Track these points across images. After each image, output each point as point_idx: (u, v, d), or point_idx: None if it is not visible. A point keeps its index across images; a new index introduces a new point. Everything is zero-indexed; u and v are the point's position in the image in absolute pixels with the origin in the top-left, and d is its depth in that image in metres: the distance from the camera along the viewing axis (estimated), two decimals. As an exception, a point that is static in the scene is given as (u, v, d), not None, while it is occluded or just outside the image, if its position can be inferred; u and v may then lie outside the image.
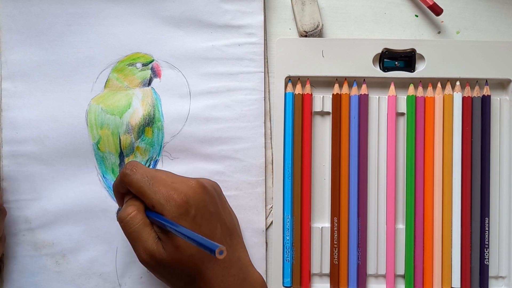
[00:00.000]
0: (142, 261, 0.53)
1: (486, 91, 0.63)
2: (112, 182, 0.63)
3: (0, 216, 0.59)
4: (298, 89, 0.63)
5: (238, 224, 0.61)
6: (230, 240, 0.57)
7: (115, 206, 0.63)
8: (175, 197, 0.52)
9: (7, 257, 0.62)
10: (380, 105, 0.63)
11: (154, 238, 0.53)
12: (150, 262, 0.53)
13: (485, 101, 0.62)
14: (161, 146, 0.63)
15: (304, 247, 0.63)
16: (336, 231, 0.63)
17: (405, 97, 0.63)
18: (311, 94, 0.63)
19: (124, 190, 0.56)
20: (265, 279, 0.62)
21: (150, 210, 0.53)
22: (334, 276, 0.63)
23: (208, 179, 0.59)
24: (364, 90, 0.63)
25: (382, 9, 0.64)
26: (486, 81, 0.63)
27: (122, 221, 0.53)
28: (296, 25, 0.63)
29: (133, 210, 0.53)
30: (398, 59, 0.63)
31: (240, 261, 0.57)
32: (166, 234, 0.52)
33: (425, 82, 0.63)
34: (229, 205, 0.61)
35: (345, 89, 0.63)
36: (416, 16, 0.64)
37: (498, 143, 0.63)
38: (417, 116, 0.63)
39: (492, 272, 0.63)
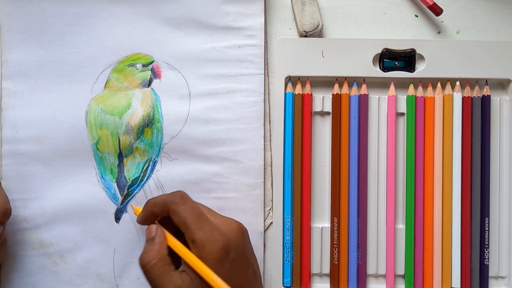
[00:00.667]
0: None
1: (486, 91, 0.63)
2: (111, 183, 0.63)
3: (5, 216, 0.58)
4: (298, 89, 0.63)
5: (258, 266, 0.60)
6: (255, 282, 0.56)
7: (113, 206, 0.63)
8: (219, 239, 0.52)
9: (5, 256, 0.62)
10: (380, 105, 0.63)
11: (177, 285, 0.51)
12: None
13: (485, 101, 0.63)
14: (160, 147, 0.63)
15: (304, 247, 0.62)
16: (336, 231, 0.62)
17: (405, 97, 0.63)
18: (311, 94, 0.63)
19: (159, 213, 0.55)
20: (263, 281, 0.62)
21: (179, 242, 0.53)
22: (334, 276, 0.62)
23: (238, 221, 0.57)
24: (364, 90, 0.63)
25: (382, 9, 0.64)
26: (486, 81, 0.63)
27: (143, 267, 0.53)
28: (296, 25, 0.63)
29: (154, 257, 0.52)
30: (398, 59, 0.63)
31: None
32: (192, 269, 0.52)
33: (425, 82, 0.63)
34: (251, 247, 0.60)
35: (345, 89, 0.63)
36: (416, 16, 0.64)
37: (498, 143, 0.63)
38: (417, 116, 0.63)
39: (492, 272, 0.62)
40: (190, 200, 0.54)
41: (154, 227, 0.55)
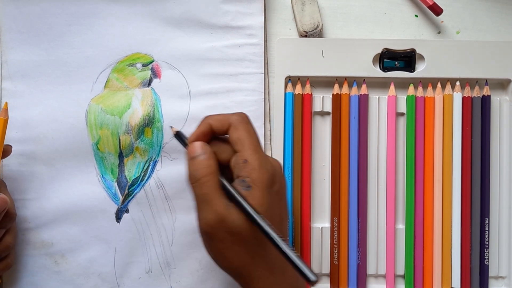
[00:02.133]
0: (206, 226, 0.49)
1: (486, 91, 0.63)
2: (111, 183, 0.63)
3: (10, 221, 0.58)
4: (298, 89, 0.63)
5: None
6: (285, 222, 0.54)
7: (114, 206, 0.63)
8: (269, 167, 0.50)
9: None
10: (380, 105, 0.63)
11: (226, 203, 0.49)
12: (216, 228, 0.49)
13: (485, 101, 0.63)
14: (160, 147, 0.63)
15: (304, 247, 0.63)
16: (336, 231, 0.62)
17: (405, 97, 0.63)
18: (311, 94, 0.63)
19: (217, 127, 0.53)
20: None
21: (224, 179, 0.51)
22: (334, 276, 0.63)
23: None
24: (364, 90, 0.63)
25: (382, 9, 0.64)
26: (486, 81, 0.63)
27: (195, 179, 0.50)
28: (296, 25, 0.63)
29: (209, 171, 0.50)
30: (398, 59, 0.63)
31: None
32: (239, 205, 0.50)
33: (425, 82, 0.63)
34: None
35: (345, 89, 0.63)
36: (416, 16, 0.64)
37: (498, 143, 0.63)
38: (417, 116, 0.63)
39: (492, 272, 0.62)
40: (252, 124, 0.53)
41: (200, 144, 0.52)
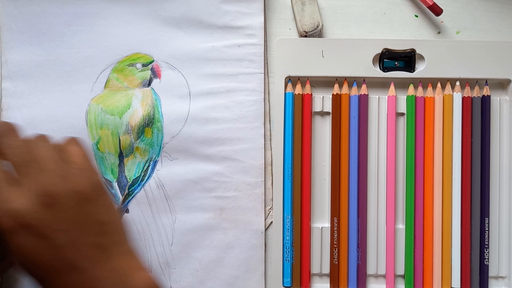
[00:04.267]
0: None
1: (486, 91, 0.63)
2: (112, 182, 0.63)
3: None
4: (298, 89, 0.63)
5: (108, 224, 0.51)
6: (95, 251, 0.47)
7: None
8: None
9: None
10: (380, 105, 0.63)
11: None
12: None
13: (485, 101, 0.63)
14: (160, 147, 0.63)
15: (304, 247, 0.63)
16: (336, 231, 0.62)
17: (405, 97, 0.63)
18: (311, 94, 0.63)
19: None
20: (264, 281, 0.62)
21: None
22: (334, 276, 0.63)
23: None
24: (364, 90, 0.63)
25: (382, 9, 0.64)
26: (486, 81, 0.63)
27: None
28: (296, 25, 0.63)
29: None
30: (398, 59, 0.63)
31: (116, 270, 0.47)
32: None
33: (425, 82, 0.63)
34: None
35: (345, 89, 0.63)
36: (416, 16, 0.64)
37: (498, 143, 0.63)
38: (417, 116, 0.63)
39: (492, 272, 0.62)
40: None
41: None
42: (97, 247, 0.47)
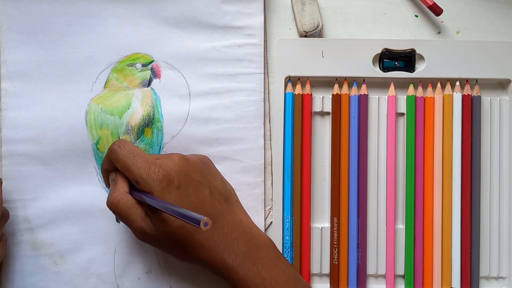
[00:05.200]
0: (138, 239, 0.55)
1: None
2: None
3: (2, 220, 0.59)
4: (298, 89, 0.63)
5: (233, 191, 0.62)
6: (227, 205, 0.58)
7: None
8: (156, 171, 0.53)
9: (5, 257, 0.62)
10: (380, 105, 0.63)
11: (141, 217, 0.54)
12: (144, 238, 0.55)
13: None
14: (160, 147, 0.63)
15: (304, 247, 0.63)
16: (336, 231, 0.62)
17: (405, 97, 0.63)
18: (311, 94, 0.63)
19: (111, 168, 0.57)
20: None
21: (135, 189, 0.55)
22: (334, 276, 0.63)
23: (198, 154, 0.61)
24: (364, 90, 0.63)
25: (382, 9, 0.64)
26: (486, 81, 0.63)
27: (110, 207, 0.55)
28: (296, 25, 0.63)
29: (116, 194, 0.54)
30: (398, 59, 0.63)
31: (242, 223, 0.58)
32: (153, 209, 0.53)
33: (425, 82, 0.63)
34: (221, 176, 0.62)
35: (345, 89, 0.63)
36: (416, 16, 0.64)
37: (498, 143, 0.63)
38: (417, 116, 0.63)
39: (492, 272, 0.62)
40: (129, 144, 0.56)
41: (113, 173, 0.57)
42: (225, 201, 0.58)
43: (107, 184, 0.59)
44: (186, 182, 0.55)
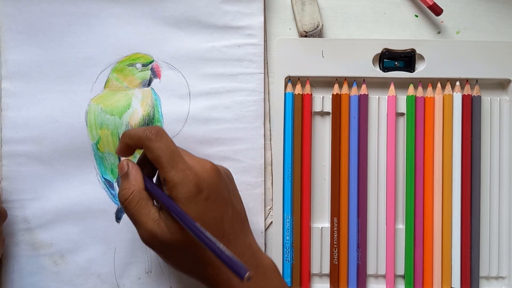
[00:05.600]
0: (144, 242, 0.53)
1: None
2: (112, 182, 0.63)
3: (0, 219, 0.59)
4: (298, 89, 0.63)
5: (245, 212, 0.60)
6: (242, 226, 0.55)
7: (114, 206, 0.63)
8: (190, 177, 0.51)
9: (5, 257, 0.62)
10: (380, 105, 0.63)
11: (154, 220, 0.51)
12: (153, 243, 0.52)
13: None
14: (160, 147, 0.63)
15: (304, 247, 0.63)
16: (336, 231, 0.62)
17: (405, 97, 0.63)
18: (311, 94, 0.63)
19: (133, 146, 0.54)
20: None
21: (152, 184, 0.53)
22: (334, 276, 0.63)
23: (222, 166, 0.57)
24: (364, 90, 0.63)
25: (382, 9, 0.64)
26: (486, 81, 0.63)
27: (123, 204, 0.52)
28: (296, 25, 0.63)
29: (132, 190, 0.52)
30: (398, 59, 0.63)
31: (251, 247, 0.55)
32: (170, 213, 0.51)
33: (425, 82, 0.63)
34: (238, 193, 0.59)
35: (345, 89, 0.63)
36: (416, 16, 0.64)
37: (498, 143, 0.63)
38: (417, 116, 0.63)
39: (492, 272, 0.62)
40: (166, 137, 0.53)
41: (125, 162, 0.54)
42: (241, 222, 0.55)
43: (119, 153, 0.55)
44: (215, 197, 0.52)
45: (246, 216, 0.58)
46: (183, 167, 0.51)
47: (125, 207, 0.52)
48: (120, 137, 0.62)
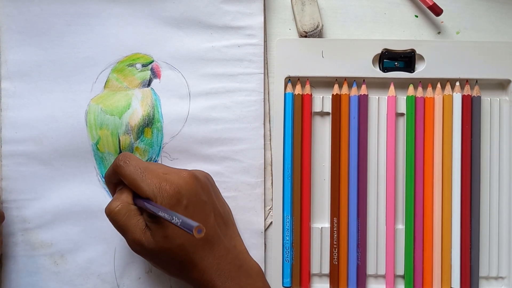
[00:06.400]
0: (133, 250, 0.55)
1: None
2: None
3: None
4: (298, 90, 0.63)
5: (231, 213, 0.62)
6: (226, 229, 0.58)
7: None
8: (167, 188, 0.52)
9: (5, 257, 0.62)
10: (380, 105, 0.63)
11: (141, 229, 0.53)
12: (141, 251, 0.54)
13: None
14: (160, 147, 0.63)
15: (304, 247, 0.63)
16: (335, 231, 0.62)
17: (405, 97, 0.63)
18: (311, 95, 0.63)
19: (116, 181, 0.56)
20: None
21: (138, 196, 0.54)
22: (333, 276, 0.63)
23: (201, 170, 0.60)
24: (363, 90, 0.63)
25: (382, 9, 0.64)
26: (486, 81, 0.63)
27: (109, 215, 0.54)
28: (296, 25, 0.63)
29: (119, 203, 0.54)
30: (398, 60, 0.63)
31: (236, 249, 0.58)
32: (156, 223, 0.53)
33: (424, 83, 0.63)
34: (222, 196, 0.62)
35: (344, 90, 0.63)
36: (416, 16, 0.64)
37: (498, 143, 0.63)
38: (417, 117, 0.63)
39: (492, 272, 0.62)
40: (134, 159, 0.55)
41: (119, 186, 0.56)
42: (224, 224, 0.58)
43: (113, 194, 0.58)
44: (194, 202, 0.54)
45: (232, 218, 0.62)
46: (157, 180, 0.53)
47: (112, 218, 0.54)
48: (119, 142, 0.62)
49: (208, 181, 0.58)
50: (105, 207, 0.55)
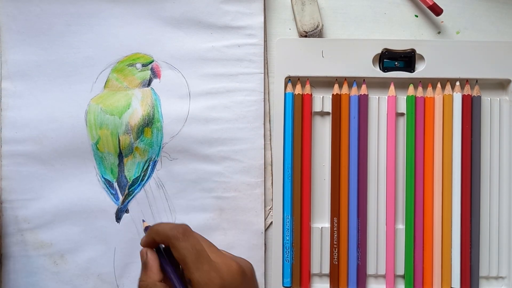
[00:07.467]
0: None
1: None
2: (112, 182, 0.63)
3: None
4: (298, 89, 0.63)
5: None
6: None
7: (114, 206, 0.63)
8: (216, 281, 0.50)
9: (5, 257, 0.62)
10: (380, 105, 0.63)
11: None
12: None
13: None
14: (160, 147, 0.63)
15: (304, 247, 0.63)
16: (336, 231, 0.62)
17: (405, 97, 0.63)
18: (311, 94, 0.63)
19: (160, 242, 0.54)
20: (263, 282, 0.62)
21: (170, 269, 0.53)
22: (334, 276, 0.63)
23: (247, 261, 0.56)
24: (364, 90, 0.63)
25: (382, 9, 0.64)
26: (486, 81, 0.63)
27: None
28: (296, 25, 0.63)
29: (146, 284, 0.52)
30: (398, 59, 0.63)
31: None
32: None
33: (425, 82, 0.63)
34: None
35: (345, 89, 0.63)
36: (416, 16, 0.64)
37: (498, 143, 0.63)
38: (417, 116, 0.63)
39: (492, 272, 0.62)
40: (192, 236, 0.53)
41: (144, 251, 0.54)
42: None
43: (144, 245, 0.55)
44: None
45: None
46: (208, 269, 0.51)
47: None
48: (119, 142, 0.62)
49: (253, 276, 0.56)
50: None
